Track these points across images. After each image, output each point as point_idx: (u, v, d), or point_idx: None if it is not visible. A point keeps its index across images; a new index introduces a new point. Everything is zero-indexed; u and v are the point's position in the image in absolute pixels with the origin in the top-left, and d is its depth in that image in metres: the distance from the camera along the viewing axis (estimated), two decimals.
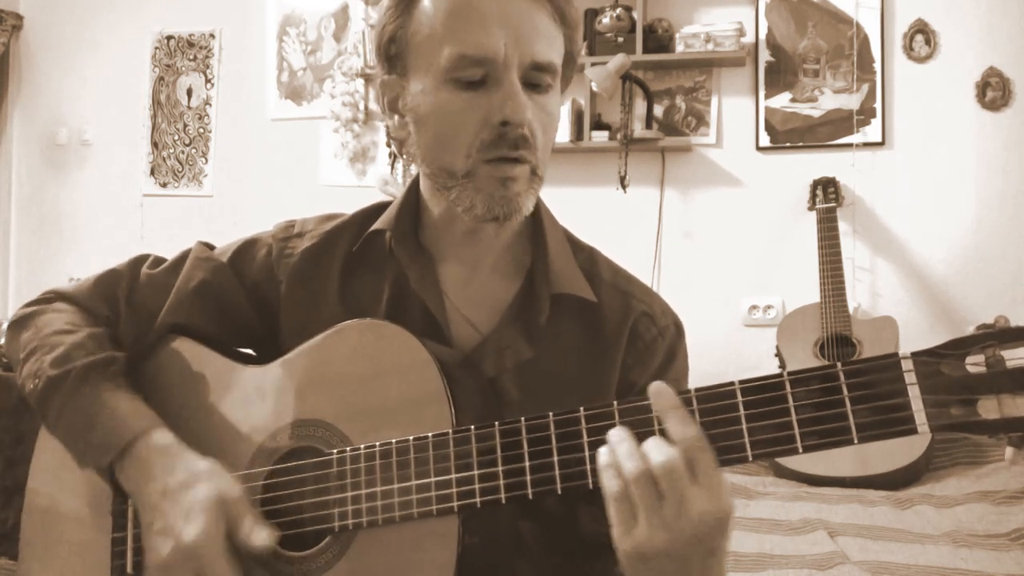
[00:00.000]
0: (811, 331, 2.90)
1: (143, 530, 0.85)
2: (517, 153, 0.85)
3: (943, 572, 1.78)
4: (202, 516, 0.80)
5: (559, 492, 0.75)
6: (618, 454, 0.70)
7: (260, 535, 0.81)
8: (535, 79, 0.86)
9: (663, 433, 0.71)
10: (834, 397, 0.67)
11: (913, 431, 0.65)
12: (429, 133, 0.88)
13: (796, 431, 0.68)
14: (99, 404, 0.90)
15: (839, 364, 0.68)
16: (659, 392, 0.71)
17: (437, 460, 0.80)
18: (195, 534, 0.79)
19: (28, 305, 1.02)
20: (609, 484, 0.69)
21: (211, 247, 1.05)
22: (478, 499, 0.78)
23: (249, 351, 1.04)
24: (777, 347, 2.97)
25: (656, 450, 0.68)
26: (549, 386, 0.90)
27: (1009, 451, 0.69)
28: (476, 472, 0.78)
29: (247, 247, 1.02)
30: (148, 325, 0.99)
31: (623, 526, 0.69)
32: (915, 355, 0.66)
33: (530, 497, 0.76)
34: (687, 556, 0.67)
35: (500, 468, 0.77)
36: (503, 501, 0.77)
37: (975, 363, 0.64)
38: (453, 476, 0.79)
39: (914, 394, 0.65)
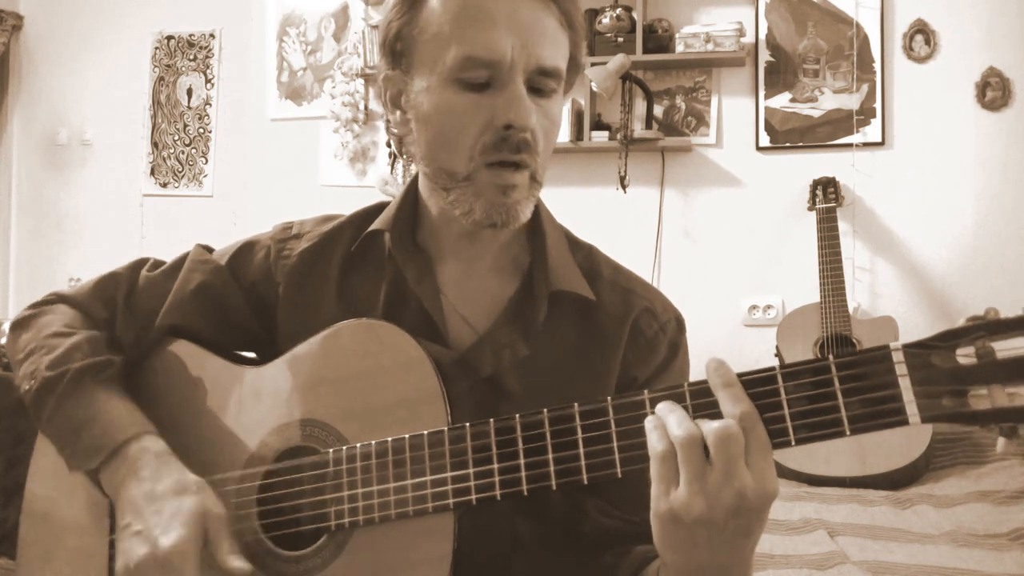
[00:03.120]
0: (811, 331, 2.90)
1: (118, 531, 0.84)
2: (518, 157, 0.84)
3: (943, 572, 1.78)
4: (183, 527, 0.79)
5: (554, 488, 0.75)
6: (668, 421, 0.69)
7: (236, 562, 0.80)
8: (540, 84, 0.86)
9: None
10: (826, 390, 0.68)
11: (904, 422, 0.65)
12: (431, 132, 0.88)
13: (788, 424, 0.68)
14: (92, 408, 0.90)
15: (831, 357, 0.68)
16: (716, 368, 0.70)
17: (432, 458, 0.79)
18: (173, 543, 0.79)
19: (30, 307, 1.02)
20: (654, 444, 0.69)
21: (209, 250, 1.05)
22: (473, 496, 0.77)
23: (248, 353, 1.03)
24: (777, 347, 2.97)
25: (711, 420, 0.68)
26: (546, 384, 0.90)
27: (1001, 441, 0.68)
28: (471, 469, 0.78)
29: (245, 249, 1.02)
30: (146, 327, 0.99)
31: (662, 486, 0.68)
32: (906, 347, 0.66)
33: (525, 493, 0.76)
34: (721, 529, 0.67)
35: (495, 465, 0.77)
36: (498, 498, 0.77)
37: (966, 354, 0.64)
38: (448, 474, 0.79)
39: (905, 385, 0.65)
